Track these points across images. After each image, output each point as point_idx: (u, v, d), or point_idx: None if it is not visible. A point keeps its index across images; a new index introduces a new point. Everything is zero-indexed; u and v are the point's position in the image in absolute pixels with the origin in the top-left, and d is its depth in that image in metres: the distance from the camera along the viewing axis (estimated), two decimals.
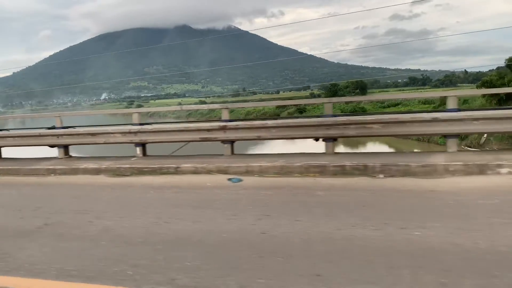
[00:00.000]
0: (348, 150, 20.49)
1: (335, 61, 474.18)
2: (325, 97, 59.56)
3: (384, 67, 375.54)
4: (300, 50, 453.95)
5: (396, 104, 42.10)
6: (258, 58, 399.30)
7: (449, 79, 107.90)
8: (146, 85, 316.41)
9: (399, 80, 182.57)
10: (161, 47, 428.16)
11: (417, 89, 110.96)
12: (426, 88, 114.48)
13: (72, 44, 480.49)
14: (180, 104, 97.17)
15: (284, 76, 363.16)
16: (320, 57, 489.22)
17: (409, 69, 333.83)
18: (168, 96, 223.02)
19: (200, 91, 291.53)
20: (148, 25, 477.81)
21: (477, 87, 34.42)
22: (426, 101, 39.83)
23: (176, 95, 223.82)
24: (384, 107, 42.30)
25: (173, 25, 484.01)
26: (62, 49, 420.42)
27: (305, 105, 48.48)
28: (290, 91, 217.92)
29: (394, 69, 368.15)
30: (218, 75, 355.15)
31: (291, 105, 51.21)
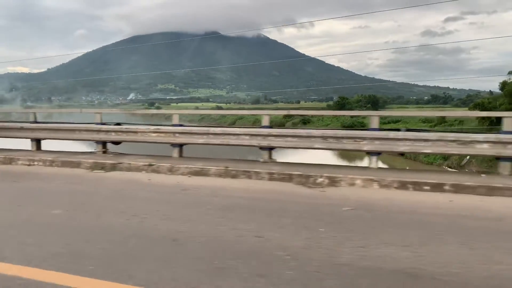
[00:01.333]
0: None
1: (363, 74, 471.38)
2: (335, 110, 60.29)
3: (412, 82, 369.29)
4: (328, 61, 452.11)
5: (396, 121, 42.52)
6: (284, 67, 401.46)
7: (471, 99, 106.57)
8: (173, 88, 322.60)
9: (426, 97, 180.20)
10: (190, 51, 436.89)
11: (437, 107, 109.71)
12: (446, 107, 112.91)
13: (105, 44, 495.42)
14: (197, 108, 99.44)
15: (309, 86, 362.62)
16: (347, 69, 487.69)
17: (438, 87, 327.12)
18: (192, 99, 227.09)
19: (225, 97, 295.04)
20: (179, 30, 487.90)
21: (470, 109, 34.70)
22: (426, 120, 40.26)
23: (199, 99, 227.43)
24: (384, 123, 42.87)
25: (203, 31, 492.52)
26: (95, 48, 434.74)
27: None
28: (312, 101, 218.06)
29: (423, 86, 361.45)
30: (244, 82, 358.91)
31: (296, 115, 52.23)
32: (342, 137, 7.93)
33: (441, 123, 33.44)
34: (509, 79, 28.88)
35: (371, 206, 5.30)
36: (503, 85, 28.84)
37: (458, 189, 6.03)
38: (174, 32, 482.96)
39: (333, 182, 6.74)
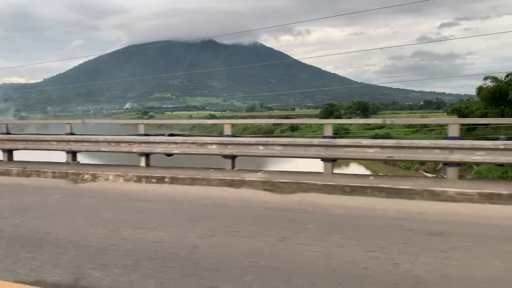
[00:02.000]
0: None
1: (359, 81, 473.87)
2: (321, 117, 60.75)
3: (408, 88, 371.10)
4: (324, 68, 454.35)
5: (381, 126, 42.84)
6: (281, 75, 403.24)
7: (464, 104, 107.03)
8: (170, 96, 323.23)
9: (421, 103, 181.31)
10: (186, 60, 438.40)
11: (430, 112, 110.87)
12: (439, 112, 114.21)
13: (102, 54, 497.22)
14: (190, 117, 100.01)
15: (305, 94, 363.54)
16: (343, 76, 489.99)
17: (434, 92, 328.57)
18: (187, 108, 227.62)
19: (221, 105, 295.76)
20: (175, 38, 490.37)
21: (448, 114, 35.16)
22: (410, 125, 40.49)
23: (195, 108, 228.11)
24: (370, 129, 43.21)
25: (199, 39, 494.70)
26: (92, 58, 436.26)
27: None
28: (308, 108, 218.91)
29: (419, 91, 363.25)
30: (240, 90, 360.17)
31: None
32: (120, 142, 9.43)
33: (422, 129, 33.85)
34: (484, 84, 29.48)
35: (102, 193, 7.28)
36: (479, 90, 29.38)
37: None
38: (170, 40, 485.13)
39: (94, 177, 8.54)
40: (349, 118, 66.25)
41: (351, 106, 68.65)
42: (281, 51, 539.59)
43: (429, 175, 24.43)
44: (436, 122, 23.39)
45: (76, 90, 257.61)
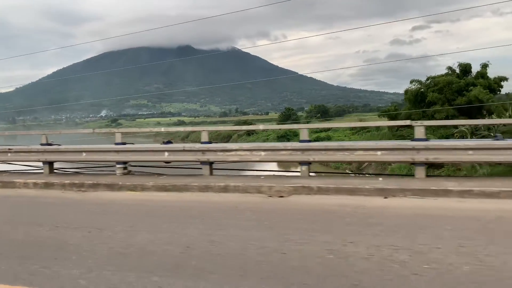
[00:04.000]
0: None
1: (335, 84, 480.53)
2: (280, 120, 62.39)
3: (383, 90, 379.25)
4: (301, 72, 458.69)
5: (328, 129, 44.21)
6: (258, 79, 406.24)
7: (393, 106, 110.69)
8: (146, 103, 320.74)
9: (389, 105, 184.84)
10: (162, 66, 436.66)
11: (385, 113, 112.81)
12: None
13: (75, 61, 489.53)
14: (158, 123, 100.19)
15: (283, 98, 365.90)
16: (320, 80, 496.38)
17: None
18: (163, 114, 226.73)
19: (199, 110, 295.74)
20: (152, 45, 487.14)
21: (379, 116, 37.10)
22: (352, 128, 41.87)
23: (170, 114, 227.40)
24: (316, 132, 44.54)
25: (176, 45, 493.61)
26: (65, 66, 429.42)
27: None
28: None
29: (393, 93, 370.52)
30: (218, 95, 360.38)
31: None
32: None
33: (360, 131, 35.65)
34: (410, 87, 31.36)
35: None
36: (406, 92, 31.25)
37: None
38: (147, 47, 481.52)
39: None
40: (309, 122, 68.22)
41: (312, 110, 70.47)
42: (258, 56, 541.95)
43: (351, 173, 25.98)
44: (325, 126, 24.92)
45: (49, 99, 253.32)
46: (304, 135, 8.05)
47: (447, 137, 23.68)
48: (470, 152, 6.93)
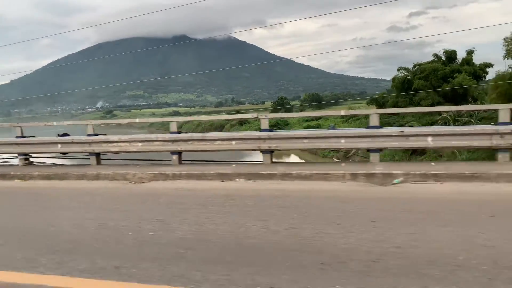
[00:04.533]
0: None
1: (332, 72, 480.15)
2: (272, 110, 62.52)
3: (380, 78, 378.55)
4: (297, 60, 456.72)
5: (319, 118, 44.36)
6: (254, 68, 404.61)
7: (382, 94, 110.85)
8: (142, 94, 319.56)
9: (385, 91, 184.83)
10: (158, 56, 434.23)
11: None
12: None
13: (70, 52, 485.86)
14: (153, 114, 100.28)
15: (279, 86, 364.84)
16: (317, 68, 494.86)
17: None
18: (159, 105, 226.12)
19: (195, 100, 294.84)
20: (147, 35, 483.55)
21: (367, 103, 37.29)
22: (344, 116, 42.01)
23: (166, 104, 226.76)
24: (307, 121, 44.74)
25: (171, 35, 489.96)
26: (60, 57, 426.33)
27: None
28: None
29: (390, 80, 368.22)
30: (214, 85, 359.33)
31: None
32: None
33: (349, 119, 35.87)
34: (397, 75, 31.49)
35: None
36: (393, 80, 31.41)
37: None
38: (142, 37, 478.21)
39: None
40: (302, 110, 68.34)
41: (306, 99, 70.56)
42: (254, 44, 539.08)
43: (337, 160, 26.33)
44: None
45: (45, 91, 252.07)
46: (173, 127, 8.60)
47: (432, 123, 23.94)
48: (305, 140, 7.76)
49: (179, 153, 8.53)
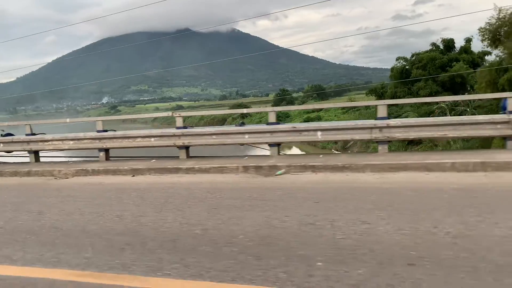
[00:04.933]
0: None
1: (337, 62, 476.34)
2: (274, 103, 62.45)
3: (385, 67, 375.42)
4: (302, 51, 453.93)
5: (320, 109, 44.30)
6: (259, 60, 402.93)
7: (380, 84, 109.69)
8: (147, 88, 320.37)
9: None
10: (162, 50, 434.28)
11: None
12: None
13: (75, 49, 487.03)
14: (157, 109, 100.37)
15: (284, 78, 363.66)
16: (322, 59, 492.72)
17: None
18: (163, 99, 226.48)
19: (200, 94, 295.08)
20: (150, 29, 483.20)
21: (366, 94, 37.13)
22: (343, 108, 42.00)
23: (171, 99, 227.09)
24: (308, 112, 44.65)
25: (174, 29, 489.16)
26: (65, 53, 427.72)
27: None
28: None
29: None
30: (219, 78, 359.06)
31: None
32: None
33: (348, 110, 35.84)
34: (396, 64, 31.28)
35: None
36: (392, 69, 31.25)
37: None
38: (146, 32, 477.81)
39: None
40: (304, 102, 68.20)
41: (308, 90, 70.36)
42: (258, 36, 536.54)
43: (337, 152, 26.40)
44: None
45: (50, 87, 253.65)
46: (99, 126, 9.03)
47: (429, 114, 23.85)
48: (214, 136, 8.24)
49: (106, 150, 8.99)
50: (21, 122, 10.93)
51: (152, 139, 8.64)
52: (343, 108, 42.10)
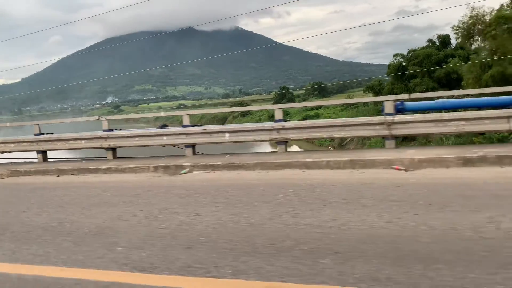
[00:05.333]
0: None
1: (341, 59, 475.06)
2: (275, 101, 62.64)
3: (389, 63, 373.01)
4: (306, 49, 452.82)
5: (319, 107, 44.46)
6: (262, 58, 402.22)
7: (378, 81, 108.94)
8: (151, 88, 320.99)
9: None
10: (165, 49, 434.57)
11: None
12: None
13: (79, 49, 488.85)
14: (160, 108, 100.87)
15: (287, 76, 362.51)
16: (325, 56, 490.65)
17: None
18: (167, 98, 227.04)
19: (203, 93, 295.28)
20: (153, 28, 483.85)
21: (364, 91, 37.28)
22: (342, 105, 42.14)
23: (175, 98, 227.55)
24: (308, 110, 44.86)
25: (177, 28, 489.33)
26: (69, 54, 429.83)
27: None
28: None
29: None
30: (222, 76, 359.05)
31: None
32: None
33: (347, 107, 36.03)
34: (392, 61, 31.43)
35: None
36: (389, 66, 31.36)
37: None
38: (149, 31, 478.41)
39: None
40: (305, 100, 68.26)
41: (309, 88, 70.51)
42: (261, 34, 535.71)
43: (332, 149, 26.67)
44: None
45: (55, 88, 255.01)
46: (36, 130, 9.60)
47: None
48: (137, 138, 8.74)
49: (43, 152, 9.61)
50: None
51: (83, 141, 9.22)
52: (342, 105, 42.29)
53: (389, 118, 6.95)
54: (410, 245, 3.05)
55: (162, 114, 12.90)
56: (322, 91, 69.72)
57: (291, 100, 58.66)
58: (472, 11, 17.09)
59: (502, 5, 18.56)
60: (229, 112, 55.54)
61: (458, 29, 16.84)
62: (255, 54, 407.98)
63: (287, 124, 7.79)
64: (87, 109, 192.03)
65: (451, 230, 3.29)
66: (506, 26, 16.00)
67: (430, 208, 3.92)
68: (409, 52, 30.35)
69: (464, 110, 7.27)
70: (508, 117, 6.31)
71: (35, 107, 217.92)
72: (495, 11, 17.33)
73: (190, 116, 9.03)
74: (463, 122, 6.61)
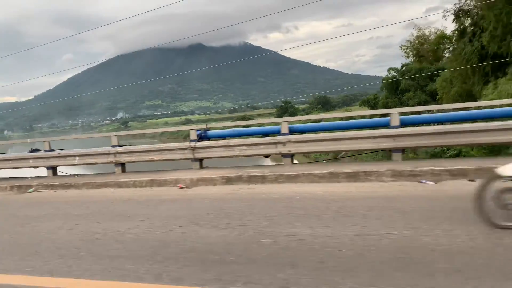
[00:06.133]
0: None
1: (349, 72, 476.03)
2: (277, 115, 62.97)
3: (383, 77, 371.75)
4: (314, 62, 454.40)
5: (319, 120, 44.43)
6: (271, 73, 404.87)
7: (373, 96, 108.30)
8: (160, 103, 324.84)
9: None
10: (175, 66, 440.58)
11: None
12: None
13: (90, 66, 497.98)
14: (166, 123, 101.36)
15: (296, 89, 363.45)
16: (334, 69, 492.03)
17: None
18: (176, 114, 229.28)
19: (212, 108, 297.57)
20: (163, 45, 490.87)
21: (359, 105, 37.40)
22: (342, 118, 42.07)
23: (183, 113, 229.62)
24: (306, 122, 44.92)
25: (187, 44, 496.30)
26: (80, 71, 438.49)
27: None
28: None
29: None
30: (231, 91, 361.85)
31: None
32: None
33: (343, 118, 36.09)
34: (387, 75, 31.64)
35: None
36: (383, 80, 31.54)
37: None
38: (159, 48, 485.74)
39: None
40: (308, 113, 68.50)
41: (313, 101, 70.76)
42: (269, 48, 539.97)
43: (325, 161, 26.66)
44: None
45: (66, 104, 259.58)
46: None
47: None
48: (77, 158, 9.44)
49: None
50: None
51: (31, 160, 9.84)
52: (341, 118, 42.23)
53: (192, 144, 8.12)
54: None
55: (112, 134, 12.89)
56: (325, 105, 69.90)
57: (293, 114, 58.97)
58: (418, 31, 17.31)
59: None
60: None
61: (406, 48, 17.04)
62: (264, 68, 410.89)
63: (120, 148, 8.88)
64: (97, 125, 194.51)
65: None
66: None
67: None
68: (402, 66, 30.58)
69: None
70: (276, 143, 7.63)
71: (46, 123, 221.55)
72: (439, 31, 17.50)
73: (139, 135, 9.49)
74: (245, 147, 7.82)
